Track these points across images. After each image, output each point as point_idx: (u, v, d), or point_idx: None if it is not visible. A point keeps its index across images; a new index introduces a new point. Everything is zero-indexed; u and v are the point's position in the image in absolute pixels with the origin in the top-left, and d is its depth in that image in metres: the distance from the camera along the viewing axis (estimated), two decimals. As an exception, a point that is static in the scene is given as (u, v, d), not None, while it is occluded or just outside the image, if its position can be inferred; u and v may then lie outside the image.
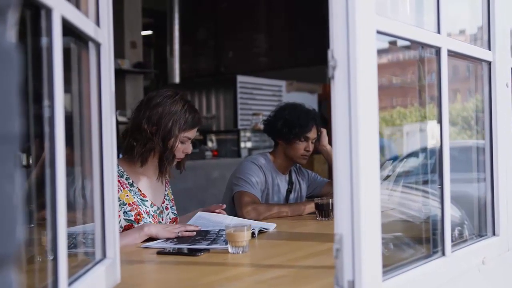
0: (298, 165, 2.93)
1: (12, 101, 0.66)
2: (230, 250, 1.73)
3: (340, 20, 1.08)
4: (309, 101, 6.71)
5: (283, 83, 8.04)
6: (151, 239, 1.95)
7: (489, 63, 1.72)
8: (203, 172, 5.71)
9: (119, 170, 2.12)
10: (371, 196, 1.11)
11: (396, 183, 1.91)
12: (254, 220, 2.37)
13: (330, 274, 1.14)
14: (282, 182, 2.83)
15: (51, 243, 0.95)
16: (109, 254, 1.31)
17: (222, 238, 1.91)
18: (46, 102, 0.95)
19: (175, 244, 1.88)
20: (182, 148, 2.17)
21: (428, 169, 1.61)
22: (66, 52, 1.01)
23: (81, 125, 1.28)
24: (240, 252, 1.72)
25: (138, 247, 1.88)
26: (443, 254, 1.42)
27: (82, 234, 1.36)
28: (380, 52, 1.19)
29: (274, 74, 8.22)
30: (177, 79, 7.88)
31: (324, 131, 2.86)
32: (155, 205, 2.20)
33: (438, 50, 1.44)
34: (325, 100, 7.56)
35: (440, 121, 1.44)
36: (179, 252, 1.77)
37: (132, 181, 2.16)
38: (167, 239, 1.94)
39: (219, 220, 2.19)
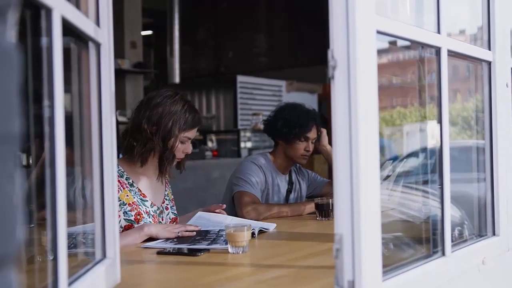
0: (298, 165, 2.92)
1: (12, 101, 0.66)
2: (230, 250, 1.73)
3: (340, 20, 1.08)
4: (309, 101, 6.71)
5: (283, 83, 8.04)
6: (151, 239, 1.95)
7: (489, 63, 1.72)
8: (203, 172, 5.71)
9: (119, 170, 2.12)
10: (371, 196, 1.11)
11: (396, 183, 1.91)
12: (254, 220, 2.37)
13: (330, 274, 1.14)
14: (282, 182, 2.83)
15: (51, 243, 0.95)
16: (109, 254, 1.31)
17: (222, 238, 1.91)
18: (46, 102, 0.95)
19: (175, 244, 1.88)
20: (182, 148, 2.17)
21: (428, 169, 1.61)
22: (66, 52, 1.01)
23: (81, 125, 1.28)
24: (240, 252, 1.72)
25: (138, 247, 1.88)
26: (443, 254, 1.42)
27: (82, 234, 1.36)
28: (380, 52, 1.19)
29: (274, 74, 8.22)
30: (177, 79, 7.88)
31: (324, 131, 2.86)
32: (155, 205, 2.20)
33: (438, 50, 1.44)
34: (325, 100, 7.56)
35: (440, 121, 1.44)
36: (179, 252, 1.77)
37: (132, 181, 2.16)
38: (167, 239, 1.94)
39: (219, 220, 2.19)
